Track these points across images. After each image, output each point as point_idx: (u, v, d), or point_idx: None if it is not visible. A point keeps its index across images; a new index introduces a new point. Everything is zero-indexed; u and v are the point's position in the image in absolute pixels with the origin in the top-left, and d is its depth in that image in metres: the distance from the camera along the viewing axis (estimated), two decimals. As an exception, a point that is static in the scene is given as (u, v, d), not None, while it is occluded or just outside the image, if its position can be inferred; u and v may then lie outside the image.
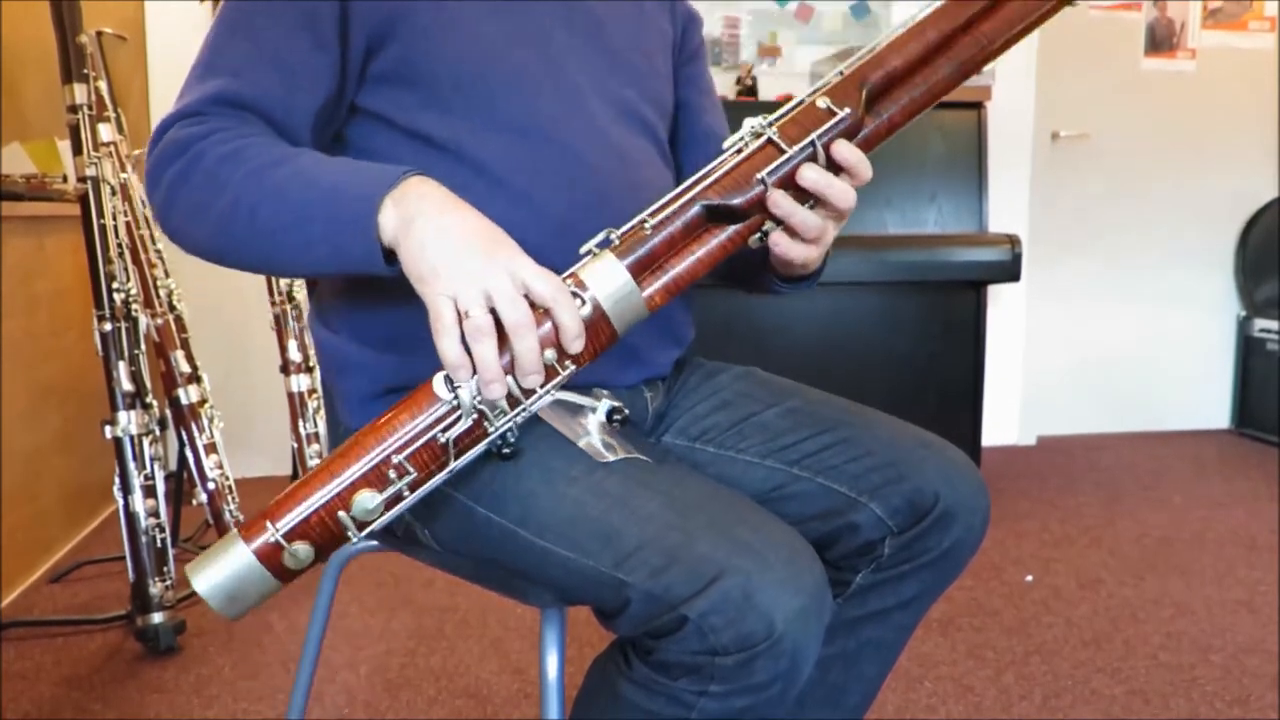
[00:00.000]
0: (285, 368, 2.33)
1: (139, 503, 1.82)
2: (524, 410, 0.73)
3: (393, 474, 0.72)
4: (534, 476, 0.79)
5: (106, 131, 1.99)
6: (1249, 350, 3.49)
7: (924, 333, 2.63)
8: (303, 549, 0.72)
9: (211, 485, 2.21)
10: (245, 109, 0.80)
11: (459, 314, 0.69)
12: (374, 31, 0.85)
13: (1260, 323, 3.44)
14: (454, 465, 0.73)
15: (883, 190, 2.67)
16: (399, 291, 0.79)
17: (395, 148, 0.87)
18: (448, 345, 0.69)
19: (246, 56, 0.82)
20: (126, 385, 1.86)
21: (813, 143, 0.78)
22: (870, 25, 3.20)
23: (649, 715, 0.76)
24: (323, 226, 0.74)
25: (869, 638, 0.94)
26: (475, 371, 0.70)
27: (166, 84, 2.85)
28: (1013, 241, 2.53)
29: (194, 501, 2.26)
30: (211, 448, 2.22)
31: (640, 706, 0.76)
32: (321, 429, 2.32)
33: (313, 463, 2.31)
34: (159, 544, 1.84)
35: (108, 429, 1.83)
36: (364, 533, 0.73)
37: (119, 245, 1.91)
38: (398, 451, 0.72)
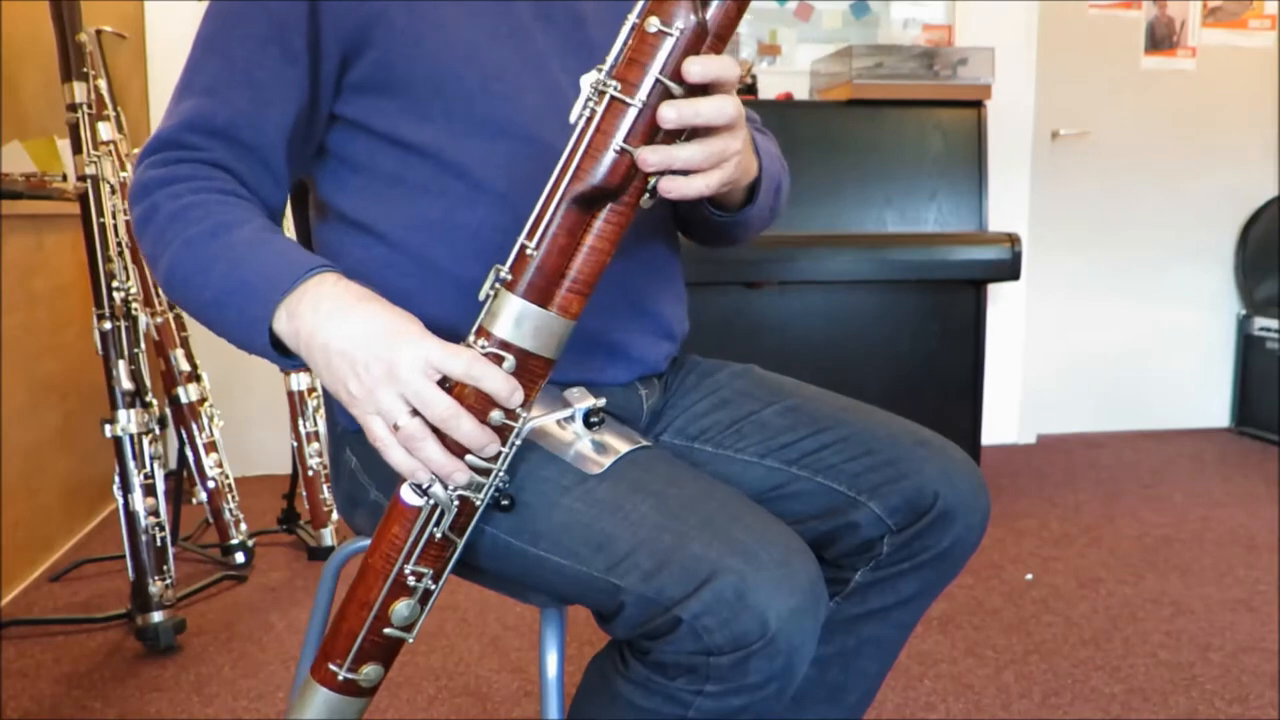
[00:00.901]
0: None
1: (139, 501, 1.82)
2: (499, 471, 0.74)
3: (412, 580, 0.75)
4: (526, 488, 0.79)
5: (106, 130, 1.99)
6: (1249, 349, 3.49)
7: (923, 331, 2.63)
8: (372, 670, 0.79)
9: (211, 484, 2.22)
10: (217, 133, 0.82)
11: (390, 427, 0.71)
12: (349, 41, 0.84)
13: (1260, 321, 3.44)
14: (462, 541, 0.76)
15: (883, 189, 2.67)
16: (395, 292, 0.78)
17: (375, 154, 0.87)
18: (396, 458, 0.71)
19: (219, 76, 0.83)
20: (126, 384, 1.86)
21: (658, 80, 0.68)
22: (869, 24, 3.20)
23: (646, 714, 0.76)
24: (234, 315, 0.77)
25: (868, 636, 0.94)
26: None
27: (166, 82, 2.85)
28: (1012, 240, 2.54)
29: (194, 500, 2.26)
30: (211, 446, 2.22)
31: (637, 705, 0.76)
32: (321, 428, 2.33)
33: (313, 462, 2.31)
34: (159, 543, 1.84)
35: (107, 428, 1.83)
36: (414, 630, 0.78)
37: (119, 244, 1.91)
38: (405, 561, 0.75)
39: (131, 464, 1.83)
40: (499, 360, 0.70)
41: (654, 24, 0.68)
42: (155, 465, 1.87)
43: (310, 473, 2.31)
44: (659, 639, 0.73)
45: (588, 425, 0.83)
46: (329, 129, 0.89)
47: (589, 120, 0.70)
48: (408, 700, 1.62)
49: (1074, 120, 3.33)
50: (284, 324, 0.74)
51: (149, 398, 1.89)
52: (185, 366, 2.21)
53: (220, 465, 2.24)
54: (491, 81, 0.86)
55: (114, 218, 1.92)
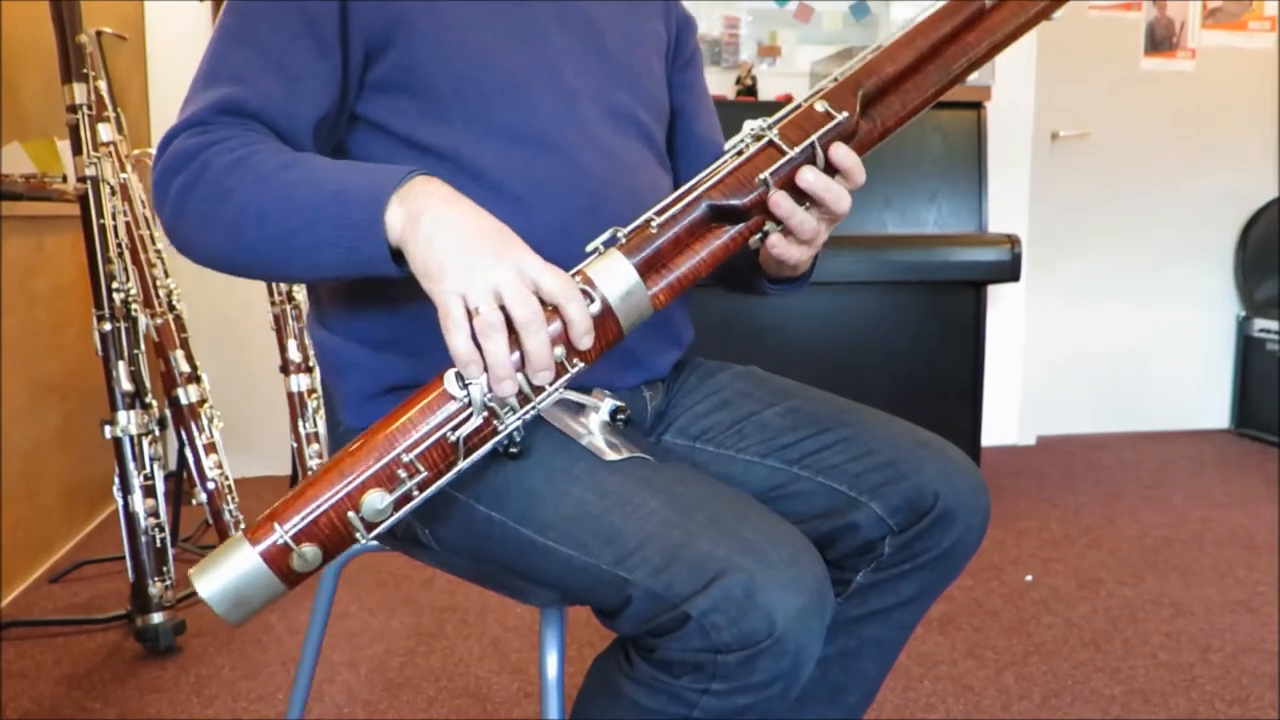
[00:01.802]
0: (285, 367, 2.33)
1: (139, 502, 1.82)
2: (533, 408, 0.73)
3: (403, 473, 0.71)
4: (536, 475, 0.79)
5: (106, 131, 1.99)
6: (1249, 350, 3.50)
7: (923, 332, 2.63)
8: (310, 551, 0.71)
9: (211, 485, 2.21)
10: (249, 117, 0.80)
11: (468, 311, 0.69)
12: (373, 38, 0.84)
13: (1260, 322, 3.44)
14: (463, 464, 0.73)
15: (882, 190, 2.67)
16: (397, 292, 0.78)
17: (393, 156, 0.87)
18: (459, 341, 0.69)
19: (249, 64, 0.81)
20: (126, 385, 1.86)
21: (812, 144, 0.79)
22: (870, 25, 3.20)
23: (651, 714, 0.76)
24: (331, 228, 0.73)
25: (869, 637, 0.94)
26: (486, 368, 0.69)
27: (166, 84, 2.85)
28: (1012, 241, 2.54)
29: (194, 501, 2.26)
30: (211, 447, 2.22)
31: (642, 705, 0.76)
32: (321, 429, 2.33)
33: (313, 463, 2.31)
34: (159, 544, 1.84)
35: (107, 429, 1.83)
36: (373, 534, 0.72)
37: (119, 245, 1.91)
38: (408, 450, 0.71)
39: (131, 465, 1.83)
40: (588, 300, 0.72)
41: (822, 106, 0.81)
42: (155, 466, 1.87)
43: (310, 473, 2.31)
44: (665, 636, 0.73)
45: (613, 421, 0.84)
46: (349, 130, 0.89)
47: (740, 153, 0.80)
48: (408, 701, 1.62)
49: (1074, 121, 3.33)
50: (395, 212, 0.72)
51: (149, 399, 1.89)
52: (185, 367, 2.21)
53: (220, 466, 2.24)
54: (508, 87, 0.88)
55: (114, 219, 1.92)
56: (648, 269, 0.76)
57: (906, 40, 0.84)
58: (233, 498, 2.23)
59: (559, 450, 0.81)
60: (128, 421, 1.84)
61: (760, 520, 0.76)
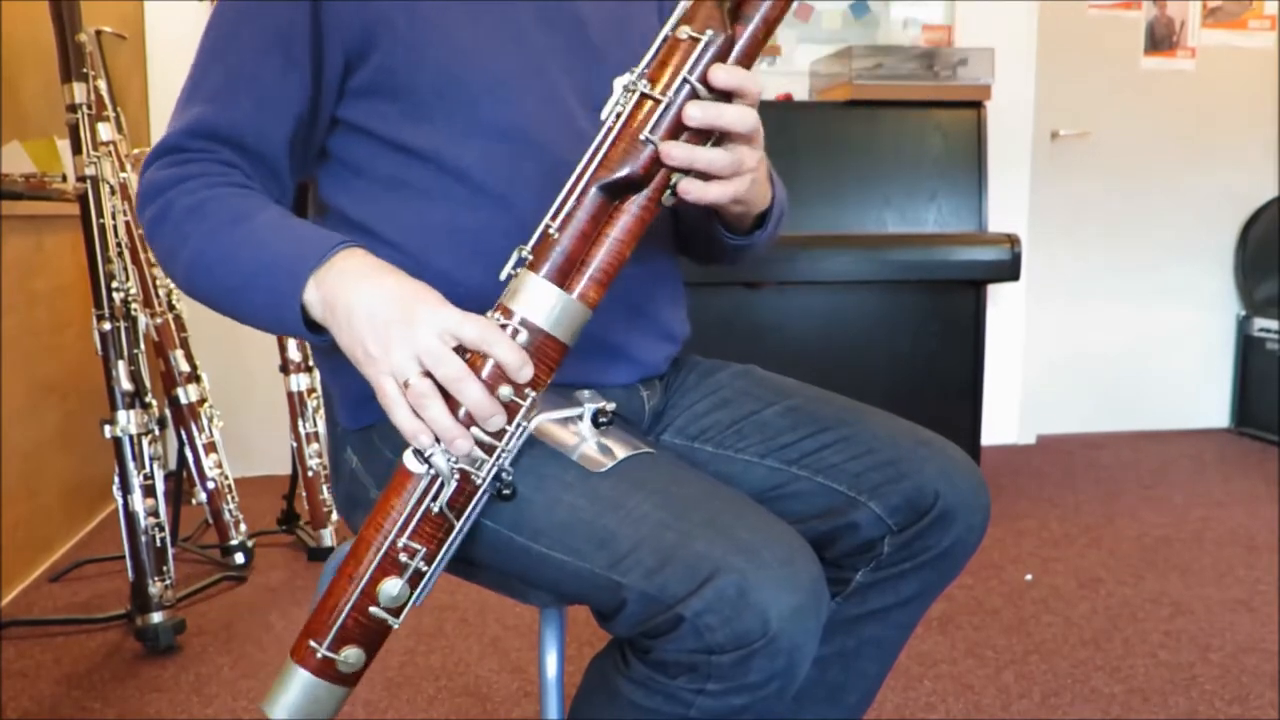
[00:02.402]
0: (285, 367, 2.34)
1: (138, 502, 1.82)
2: (505, 451, 0.73)
3: (404, 557, 0.74)
4: (527, 483, 0.79)
5: (106, 131, 1.99)
6: (1248, 349, 3.50)
7: (923, 332, 2.63)
8: (353, 653, 0.77)
9: (211, 484, 2.22)
10: (220, 140, 0.83)
11: (400, 386, 0.71)
12: (352, 45, 0.85)
13: (1260, 322, 3.44)
14: (460, 525, 0.75)
15: (882, 189, 2.67)
16: None
17: (376, 159, 0.88)
18: (400, 417, 0.71)
19: (222, 83, 0.84)
20: (126, 384, 1.86)
21: (685, 80, 0.72)
22: (869, 24, 3.20)
23: (647, 714, 0.76)
24: (261, 295, 0.77)
25: (869, 636, 0.94)
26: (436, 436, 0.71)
27: (166, 83, 2.85)
28: (1012, 240, 2.54)
29: (193, 501, 2.26)
30: (211, 447, 2.22)
31: (638, 705, 0.76)
32: (321, 428, 2.33)
33: (313, 463, 2.31)
34: (158, 543, 1.84)
35: (107, 428, 1.83)
36: (402, 616, 0.77)
37: (118, 244, 1.91)
38: (399, 535, 0.74)
39: (131, 464, 1.83)
40: (514, 334, 0.72)
41: (685, 31, 0.72)
42: (155, 466, 1.87)
43: (310, 473, 2.31)
44: (660, 637, 0.73)
45: (596, 425, 0.83)
46: (331, 132, 0.89)
47: (618, 116, 0.73)
48: (408, 700, 1.62)
49: (1074, 120, 3.33)
50: (313, 293, 0.75)
51: (149, 398, 1.89)
52: (185, 367, 2.21)
53: (220, 466, 2.24)
54: (493, 85, 0.87)
55: (114, 218, 1.92)
56: (565, 273, 0.73)
57: None
58: (232, 497, 2.23)
59: (550, 458, 0.81)
60: (127, 421, 1.84)
61: (755, 520, 0.76)
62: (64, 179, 2.10)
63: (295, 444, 2.33)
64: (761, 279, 2.48)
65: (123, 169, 2.07)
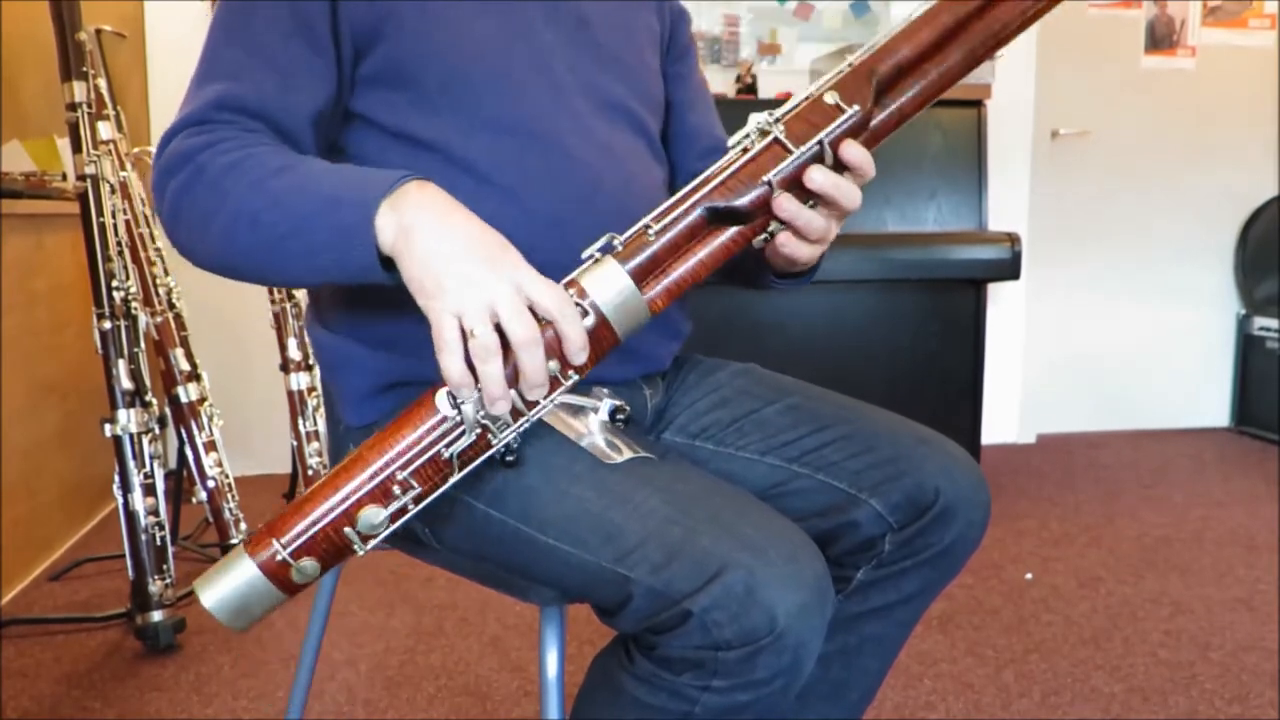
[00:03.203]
0: (285, 365, 2.34)
1: (138, 501, 1.82)
2: (527, 421, 0.73)
3: (397, 489, 0.72)
4: (535, 473, 0.79)
5: (106, 129, 1.99)
6: (1248, 348, 3.50)
7: (923, 330, 2.63)
8: (309, 564, 0.73)
9: (211, 483, 2.21)
10: (246, 113, 0.80)
11: (463, 331, 0.68)
12: (361, 34, 0.85)
13: (1260, 321, 3.44)
14: (457, 476, 0.73)
15: (882, 188, 2.67)
16: (396, 291, 0.78)
17: (385, 151, 0.88)
18: (452, 364, 0.68)
19: (243, 61, 0.82)
20: (126, 383, 1.86)
21: (820, 143, 0.76)
22: (870, 23, 3.20)
23: (651, 710, 0.76)
24: (324, 234, 0.73)
25: (870, 634, 0.94)
26: (479, 389, 0.69)
27: (166, 81, 2.85)
28: (1012, 239, 2.53)
29: (194, 500, 2.26)
30: (211, 446, 2.22)
31: (643, 702, 0.76)
32: (321, 427, 2.33)
33: (313, 461, 2.31)
34: (159, 542, 1.84)
35: (107, 427, 1.83)
36: (369, 545, 0.74)
37: (118, 243, 1.91)
38: (402, 468, 0.72)
39: (131, 463, 1.83)
40: (583, 314, 0.72)
41: (833, 97, 0.77)
42: (155, 464, 1.87)
43: (310, 472, 2.31)
44: (666, 633, 0.73)
45: (612, 421, 0.83)
46: (343, 126, 0.89)
47: (745, 150, 0.77)
48: (407, 699, 1.62)
49: (1074, 120, 3.33)
50: (386, 218, 0.71)
51: (149, 397, 1.89)
52: (185, 366, 2.21)
53: (220, 464, 2.24)
54: (498, 79, 0.87)
55: (114, 217, 1.92)
56: (644, 275, 0.74)
57: (928, 18, 0.78)
58: (233, 496, 2.23)
59: (558, 449, 0.81)
60: (128, 420, 1.84)
61: (760, 517, 0.76)
62: (64, 178, 2.10)
63: (295, 442, 2.33)
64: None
65: (123, 168, 2.07)
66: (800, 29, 3.17)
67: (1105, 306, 3.46)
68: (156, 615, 1.80)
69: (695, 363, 1.04)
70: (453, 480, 0.73)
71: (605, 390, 0.86)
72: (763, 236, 0.78)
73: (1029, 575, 2.15)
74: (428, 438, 0.72)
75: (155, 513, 1.84)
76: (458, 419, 0.71)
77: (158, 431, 1.90)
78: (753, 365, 1.03)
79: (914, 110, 0.80)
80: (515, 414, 0.72)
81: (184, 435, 2.22)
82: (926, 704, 1.59)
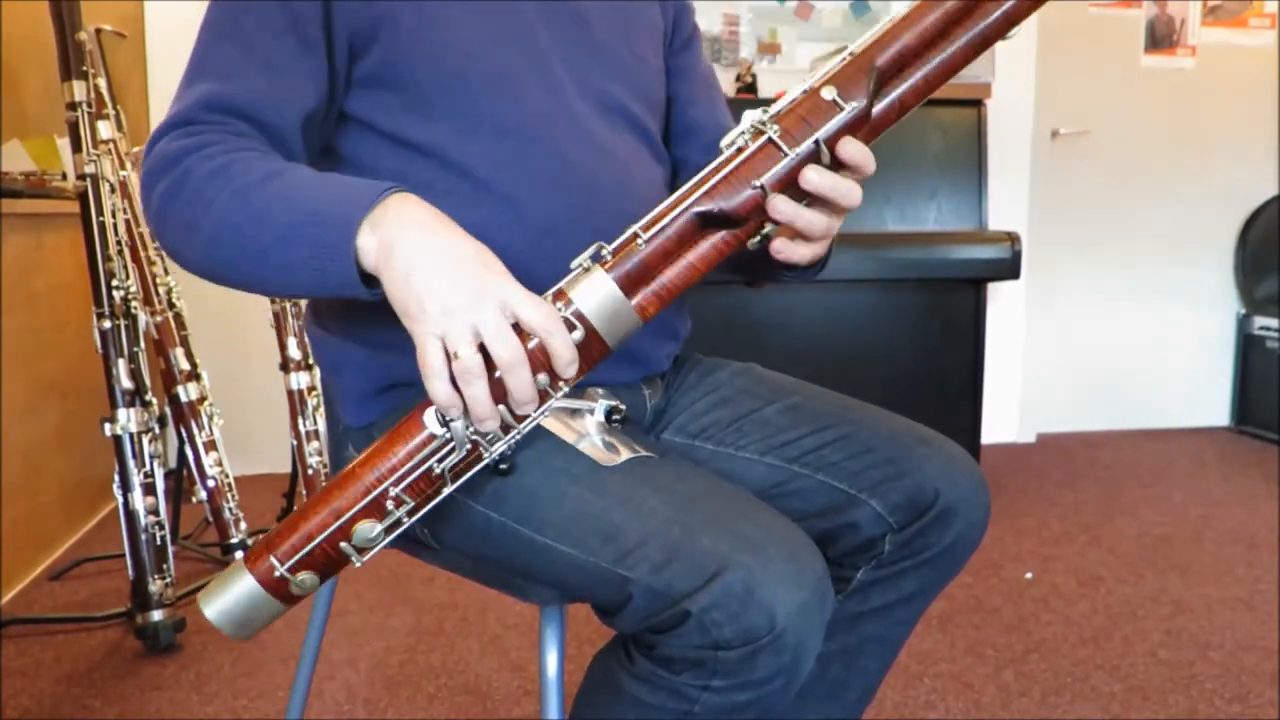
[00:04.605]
0: (285, 365, 2.33)
1: (138, 500, 1.82)
2: (519, 433, 0.73)
3: (390, 504, 0.72)
4: (534, 474, 0.79)
5: (106, 129, 1.99)
6: (1248, 348, 3.50)
7: (923, 330, 2.63)
8: (307, 578, 0.75)
9: (211, 483, 2.21)
10: (234, 113, 0.79)
11: (447, 354, 0.68)
12: (356, 34, 0.84)
13: (1260, 320, 3.44)
14: (450, 489, 0.74)
15: (882, 187, 2.67)
16: None
17: (380, 154, 0.87)
18: (438, 387, 0.68)
19: (233, 60, 0.81)
20: (126, 383, 1.86)
21: (816, 142, 0.73)
22: (870, 22, 3.20)
23: (651, 710, 0.76)
24: (304, 250, 0.72)
25: (870, 633, 0.94)
26: (466, 409, 0.69)
27: (166, 81, 2.85)
28: (1012, 239, 2.53)
29: (194, 499, 2.26)
30: (211, 445, 2.22)
31: (642, 701, 0.76)
32: (321, 426, 2.33)
33: (313, 461, 2.31)
34: (159, 541, 1.84)
35: (107, 426, 1.83)
36: (366, 557, 0.75)
37: (118, 243, 1.91)
38: (394, 484, 0.72)
39: (131, 463, 1.83)
40: (570, 327, 0.70)
41: (830, 93, 0.73)
42: (155, 464, 1.87)
43: (310, 471, 2.31)
44: (666, 633, 0.73)
45: (609, 421, 0.83)
46: (336, 128, 0.89)
47: (739, 151, 0.74)
48: (407, 699, 1.62)
49: (1074, 119, 3.33)
50: (367, 238, 0.70)
51: (149, 396, 1.89)
52: (185, 365, 2.21)
53: (220, 464, 2.24)
54: (495, 81, 0.87)
55: (114, 216, 1.92)
56: (633, 282, 0.72)
57: (934, 2, 0.74)
58: (233, 495, 2.23)
59: (557, 450, 0.81)
60: (128, 419, 1.84)
61: (760, 516, 0.76)
62: (64, 177, 2.10)
63: (295, 442, 2.32)
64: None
65: (123, 167, 2.07)
66: (800, 28, 3.17)
67: (1105, 306, 3.46)
68: (156, 615, 1.80)
69: (695, 362, 1.04)
70: (446, 492, 0.74)
71: (601, 391, 0.86)
72: (758, 237, 0.76)
73: (1029, 575, 2.15)
74: (419, 454, 0.72)
75: (155, 512, 1.84)
76: (447, 436, 0.71)
77: (158, 431, 1.90)
78: (752, 365, 1.03)
79: (916, 100, 0.76)
80: (506, 427, 0.72)
81: (184, 435, 2.22)
82: (926, 703, 1.59)
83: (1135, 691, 1.63)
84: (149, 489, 1.84)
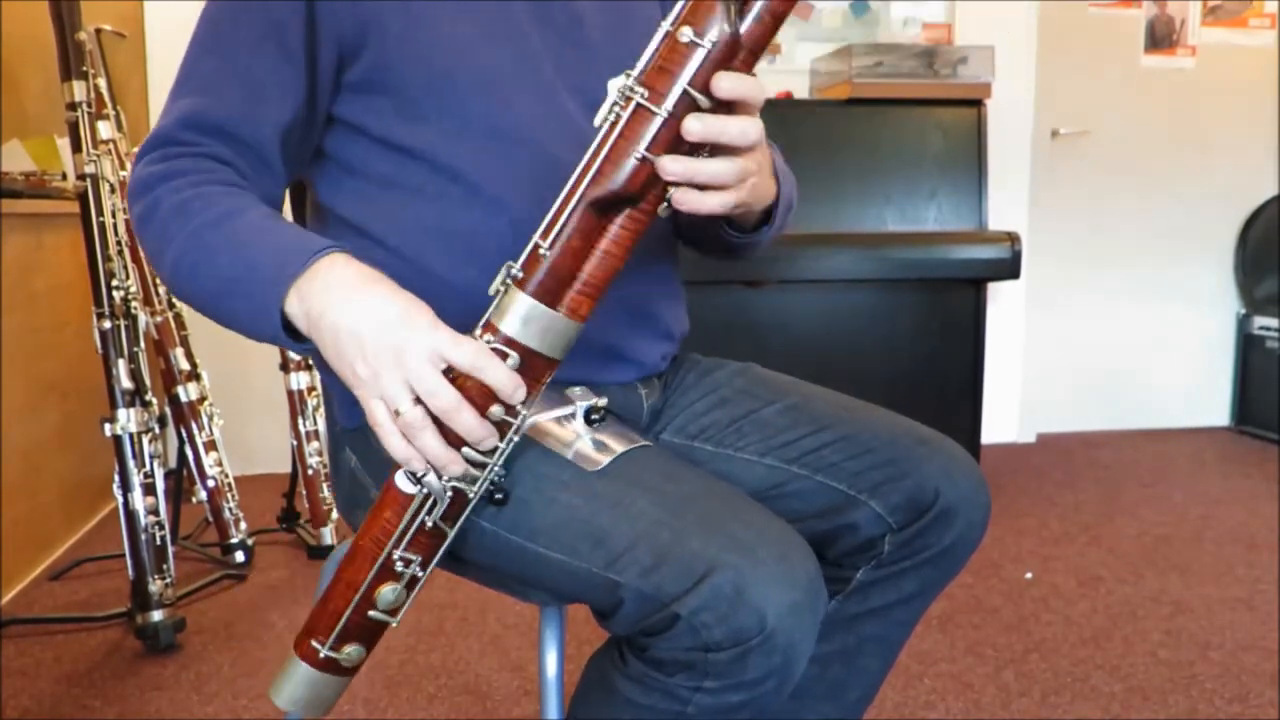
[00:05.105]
0: (285, 365, 2.33)
1: (138, 500, 1.82)
2: (496, 463, 0.73)
3: (400, 565, 0.76)
4: (525, 483, 0.79)
5: (105, 129, 1.99)
6: (1248, 348, 3.50)
7: (923, 330, 2.63)
8: (353, 650, 0.80)
9: (211, 483, 2.22)
10: (211, 132, 0.81)
11: (392, 412, 0.70)
12: (345, 41, 0.84)
13: (1260, 320, 3.44)
14: (453, 533, 0.76)
15: (882, 187, 2.67)
16: None
17: (371, 158, 0.87)
18: (393, 444, 0.70)
19: (214, 74, 0.83)
20: (126, 383, 1.86)
21: (686, 91, 0.67)
22: (870, 22, 3.20)
23: (645, 711, 0.76)
24: (243, 302, 0.75)
25: (870, 634, 0.94)
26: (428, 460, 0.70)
27: (166, 81, 2.82)
28: (1012, 239, 2.53)
29: (194, 499, 2.27)
30: (211, 445, 2.22)
31: (636, 702, 0.76)
32: (321, 426, 2.33)
33: (312, 461, 2.31)
34: (159, 542, 1.84)
35: (107, 427, 1.83)
36: (399, 615, 0.79)
37: (118, 243, 1.91)
38: (395, 546, 0.75)
39: (131, 463, 1.83)
40: (504, 356, 0.70)
41: (686, 33, 0.67)
42: (155, 464, 1.87)
43: (310, 471, 2.31)
44: (657, 635, 0.73)
45: (589, 422, 0.83)
46: (326, 131, 0.89)
47: (613, 125, 0.69)
48: (407, 699, 1.62)
49: (1074, 119, 3.33)
50: (295, 306, 0.72)
51: (149, 396, 1.89)
52: (185, 365, 2.21)
53: (220, 464, 2.24)
54: (483, 81, 0.86)
55: (114, 216, 1.92)
56: (552, 290, 0.70)
57: None
58: (233, 495, 2.23)
59: (545, 458, 0.81)
60: (128, 419, 1.84)
61: (751, 517, 0.76)
62: (64, 177, 2.10)
63: (295, 442, 2.32)
64: (761, 278, 2.48)
65: (122, 167, 2.07)
66: (800, 29, 3.17)
67: (1105, 306, 3.46)
68: (156, 615, 1.80)
69: (693, 363, 1.04)
70: (451, 536, 0.76)
71: (578, 390, 0.85)
72: (664, 205, 0.71)
73: (1029, 574, 2.15)
74: (406, 515, 0.74)
75: (155, 512, 1.84)
76: (425, 492, 0.72)
77: (158, 431, 1.90)
78: (751, 365, 1.03)
79: (786, 8, 0.68)
80: (482, 464, 0.73)
81: (184, 435, 2.22)
82: (926, 703, 1.59)
83: (1135, 691, 1.63)
84: (149, 489, 1.84)
